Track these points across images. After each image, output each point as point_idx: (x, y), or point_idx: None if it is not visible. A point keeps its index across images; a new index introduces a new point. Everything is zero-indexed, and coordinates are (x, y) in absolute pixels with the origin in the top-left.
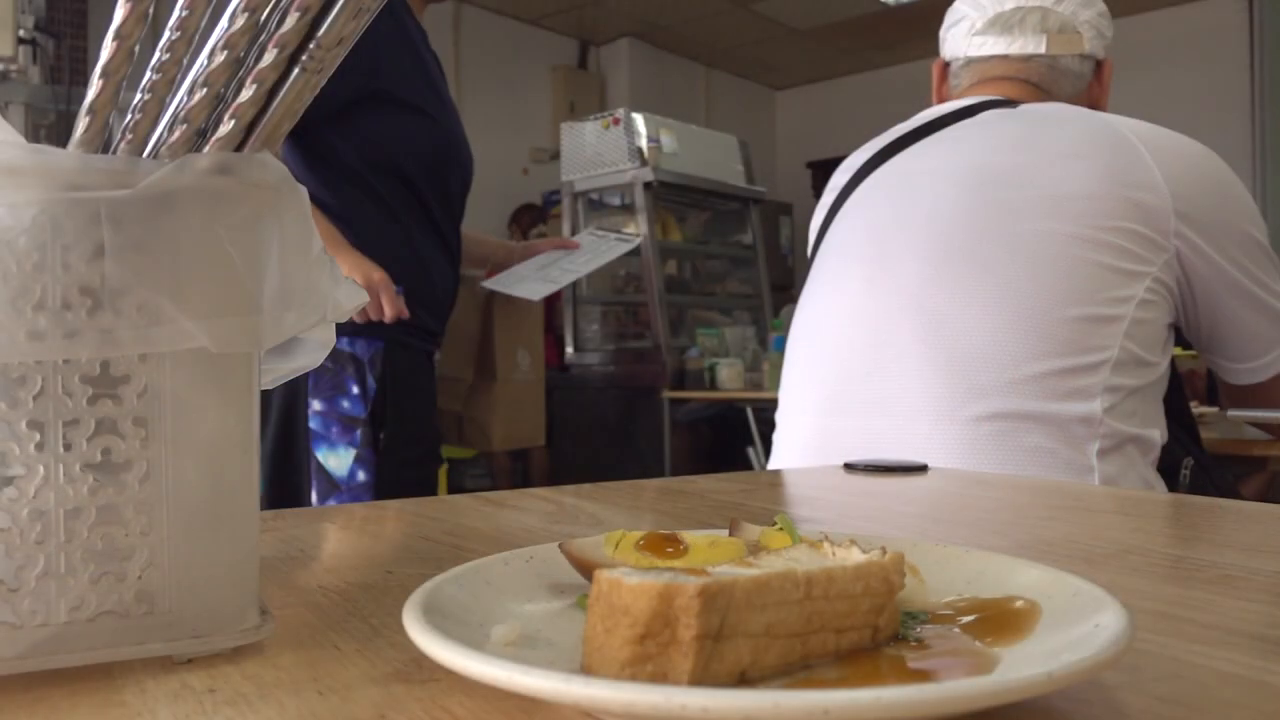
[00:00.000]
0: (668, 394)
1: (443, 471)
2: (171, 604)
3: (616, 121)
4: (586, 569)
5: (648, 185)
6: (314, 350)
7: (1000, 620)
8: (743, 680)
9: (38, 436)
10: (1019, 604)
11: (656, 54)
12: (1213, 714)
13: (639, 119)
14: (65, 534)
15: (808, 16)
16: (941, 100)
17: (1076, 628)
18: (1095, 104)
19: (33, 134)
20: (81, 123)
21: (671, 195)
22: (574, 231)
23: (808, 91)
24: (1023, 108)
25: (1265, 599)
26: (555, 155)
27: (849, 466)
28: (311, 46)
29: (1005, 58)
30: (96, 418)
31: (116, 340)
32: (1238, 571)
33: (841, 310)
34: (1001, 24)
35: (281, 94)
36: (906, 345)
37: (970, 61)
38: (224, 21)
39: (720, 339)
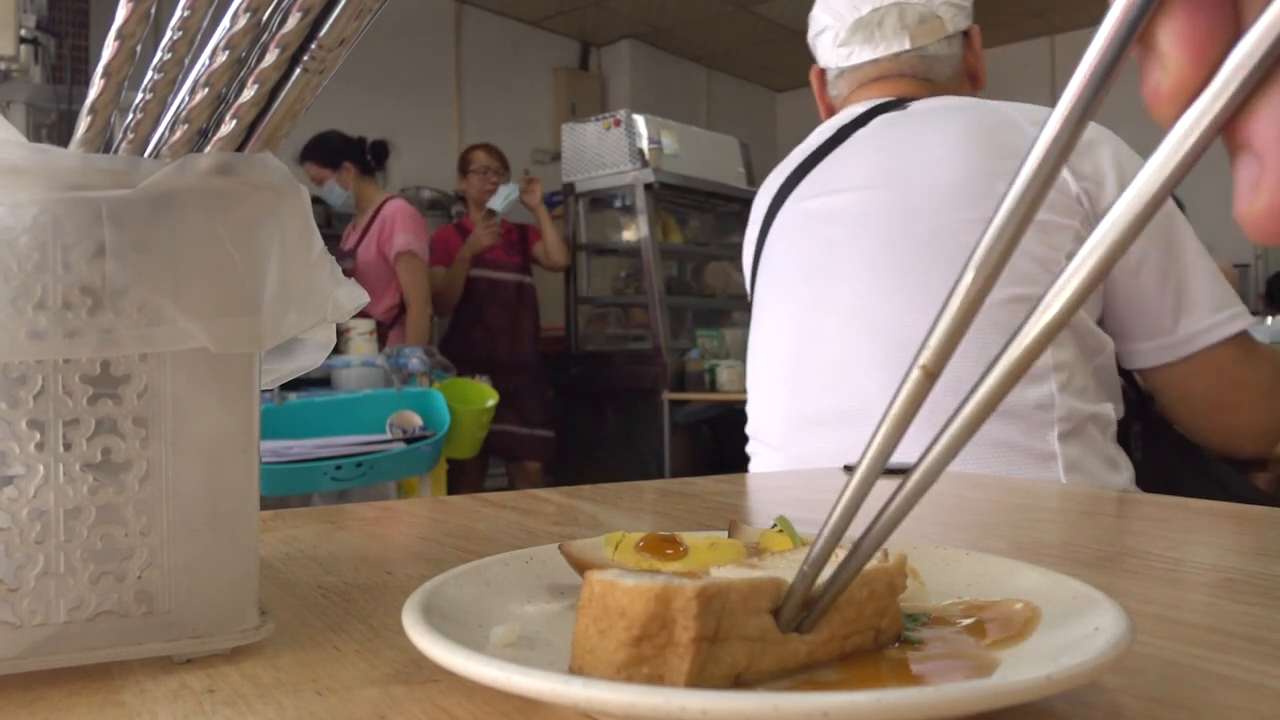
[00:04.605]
0: (668, 395)
1: (442, 472)
2: (171, 604)
3: (617, 123)
4: (586, 570)
5: (648, 187)
6: (314, 351)
7: (1000, 623)
8: (737, 683)
9: (38, 436)
10: (1018, 606)
11: (657, 55)
12: (1211, 717)
13: (640, 120)
14: (65, 534)
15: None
16: (826, 107)
17: (1076, 630)
18: (973, 71)
19: (34, 133)
20: (83, 122)
21: (672, 197)
22: (575, 233)
23: (809, 93)
24: (911, 108)
25: (1265, 602)
26: (556, 156)
27: (849, 469)
28: (313, 47)
29: (875, 62)
30: (96, 417)
31: (117, 340)
32: (1237, 574)
33: (787, 340)
34: (863, 32)
35: (283, 94)
36: (857, 359)
37: (843, 72)
38: (226, 21)
39: (720, 341)
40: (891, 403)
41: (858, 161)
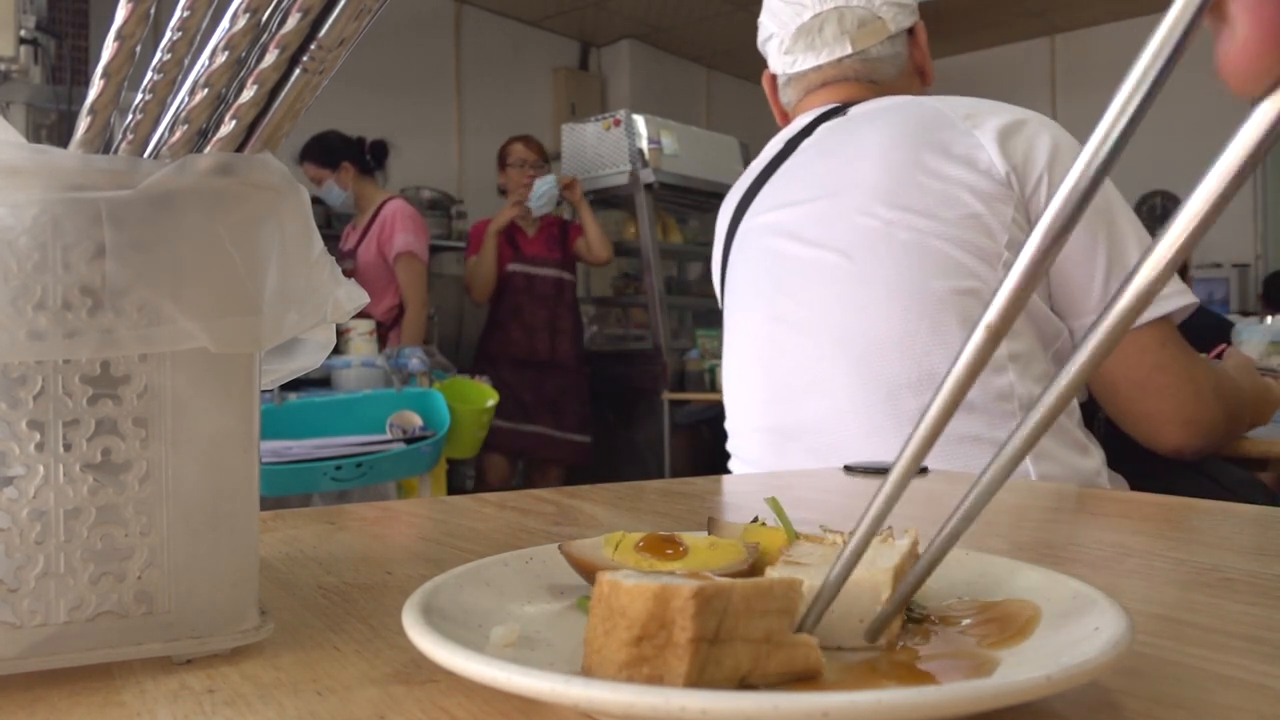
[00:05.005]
0: (668, 395)
1: (442, 472)
2: (171, 604)
3: (617, 123)
4: (586, 570)
5: (648, 186)
6: (314, 351)
7: (1000, 623)
8: (744, 686)
9: (38, 436)
10: (1019, 606)
11: (657, 55)
12: (1212, 717)
13: (640, 120)
14: (65, 534)
15: None
16: (780, 112)
17: (1076, 630)
18: (920, 68)
19: (34, 134)
20: (83, 123)
21: (672, 196)
22: None
23: None
24: (851, 113)
25: (1265, 602)
26: (556, 156)
27: (849, 469)
28: (313, 47)
29: (819, 68)
30: (96, 418)
31: (117, 340)
32: (1237, 574)
33: (755, 355)
34: (805, 39)
35: (283, 95)
36: (824, 369)
37: (790, 78)
38: (225, 22)
39: (720, 341)
40: (952, 365)
41: (804, 173)
